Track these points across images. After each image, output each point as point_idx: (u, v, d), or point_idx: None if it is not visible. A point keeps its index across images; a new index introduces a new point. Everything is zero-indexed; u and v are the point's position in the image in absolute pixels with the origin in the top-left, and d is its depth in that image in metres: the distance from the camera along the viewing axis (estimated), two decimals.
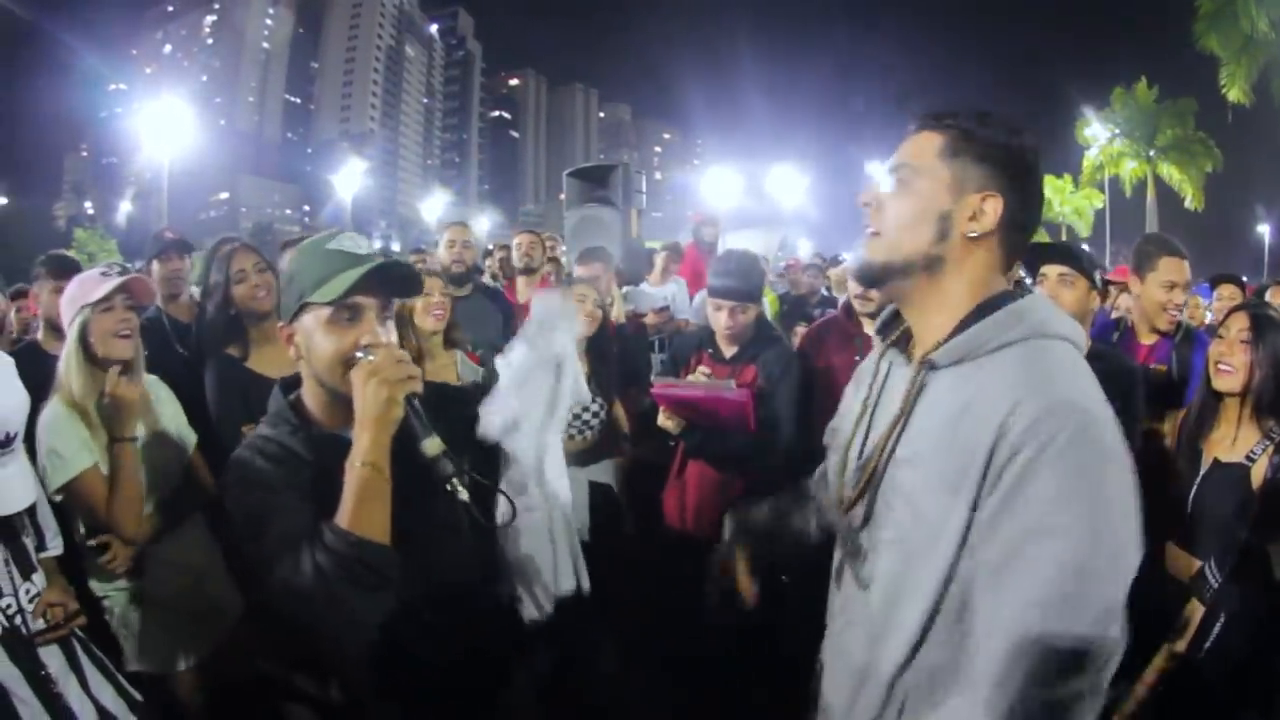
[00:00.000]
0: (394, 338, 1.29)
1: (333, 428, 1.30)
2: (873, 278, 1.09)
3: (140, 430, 2.10)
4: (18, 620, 1.61)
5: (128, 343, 2.05)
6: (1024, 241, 1.04)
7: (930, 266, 1.02)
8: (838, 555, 1.21)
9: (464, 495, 1.20)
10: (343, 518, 1.15)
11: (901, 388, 1.05)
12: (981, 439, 0.91)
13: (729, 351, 2.61)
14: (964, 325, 1.00)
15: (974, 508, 0.92)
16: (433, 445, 1.20)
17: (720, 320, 2.52)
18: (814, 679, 1.24)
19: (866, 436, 1.12)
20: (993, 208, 0.99)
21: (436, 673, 1.36)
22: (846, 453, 1.14)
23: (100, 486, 1.96)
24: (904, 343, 1.15)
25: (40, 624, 1.65)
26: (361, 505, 1.15)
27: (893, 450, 1.03)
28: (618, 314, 3.74)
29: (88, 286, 2.04)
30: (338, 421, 1.28)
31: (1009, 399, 0.90)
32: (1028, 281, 2.81)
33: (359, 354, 1.20)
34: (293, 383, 1.36)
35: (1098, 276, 2.20)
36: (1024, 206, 1.01)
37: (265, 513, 1.20)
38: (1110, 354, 2.26)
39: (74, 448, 1.93)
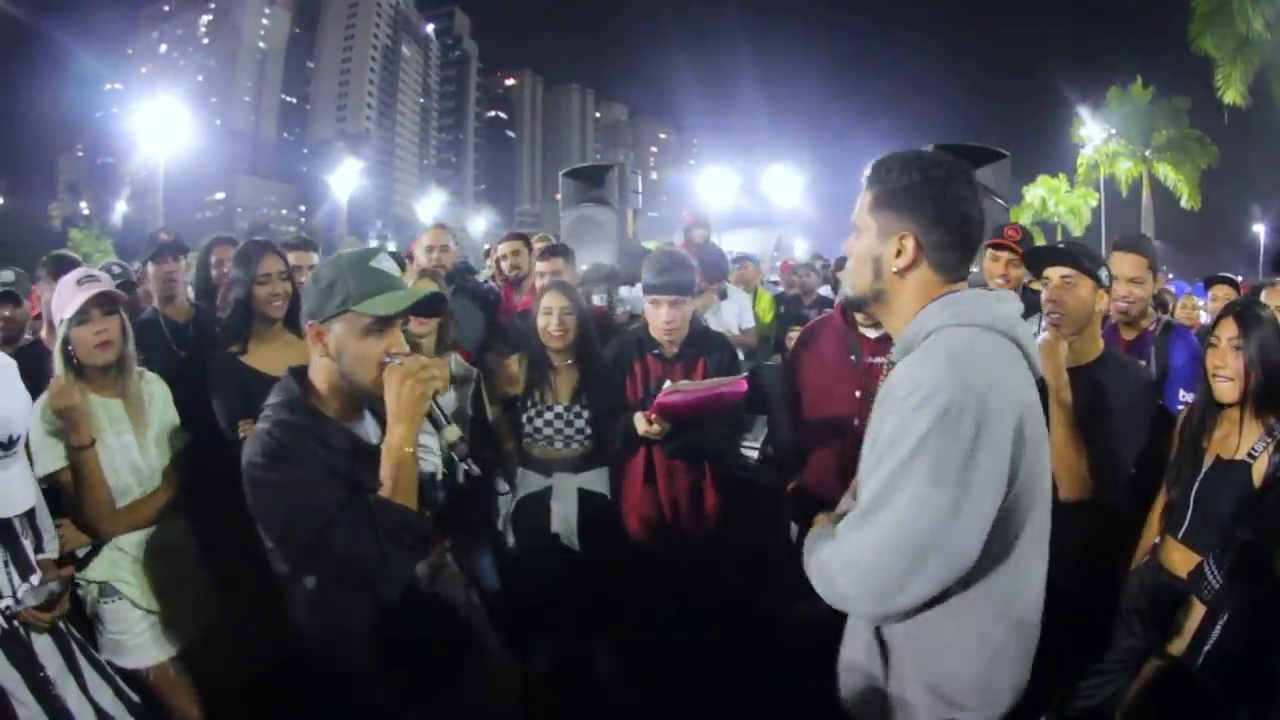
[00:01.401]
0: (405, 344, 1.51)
1: (338, 418, 1.50)
2: (851, 305, 1.50)
3: (121, 434, 2.11)
4: (17, 622, 1.61)
5: (106, 351, 2.07)
6: (955, 255, 1.22)
7: (877, 297, 1.26)
8: None
9: (477, 471, 1.49)
10: (385, 492, 1.40)
11: None
12: (880, 412, 1.17)
13: (672, 351, 2.67)
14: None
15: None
16: (451, 433, 1.46)
17: (660, 316, 2.59)
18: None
19: None
20: (910, 245, 1.20)
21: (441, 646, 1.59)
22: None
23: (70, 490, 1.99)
24: None
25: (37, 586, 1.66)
26: (399, 482, 1.40)
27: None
28: None
29: (64, 298, 2.06)
30: (343, 413, 1.51)
31: (895, 378, 1.16)
32: (1031, 283, 2.83)
33: (388, 359, 1.41)
34: (300, 371, 1.53)
35: (1103, 274, 2.12)
36: (942, 231, 1.20)
37: (306, 487, 1.39)
38: (1119, 360, 2.19)
39: (44, 449, 1.95)
